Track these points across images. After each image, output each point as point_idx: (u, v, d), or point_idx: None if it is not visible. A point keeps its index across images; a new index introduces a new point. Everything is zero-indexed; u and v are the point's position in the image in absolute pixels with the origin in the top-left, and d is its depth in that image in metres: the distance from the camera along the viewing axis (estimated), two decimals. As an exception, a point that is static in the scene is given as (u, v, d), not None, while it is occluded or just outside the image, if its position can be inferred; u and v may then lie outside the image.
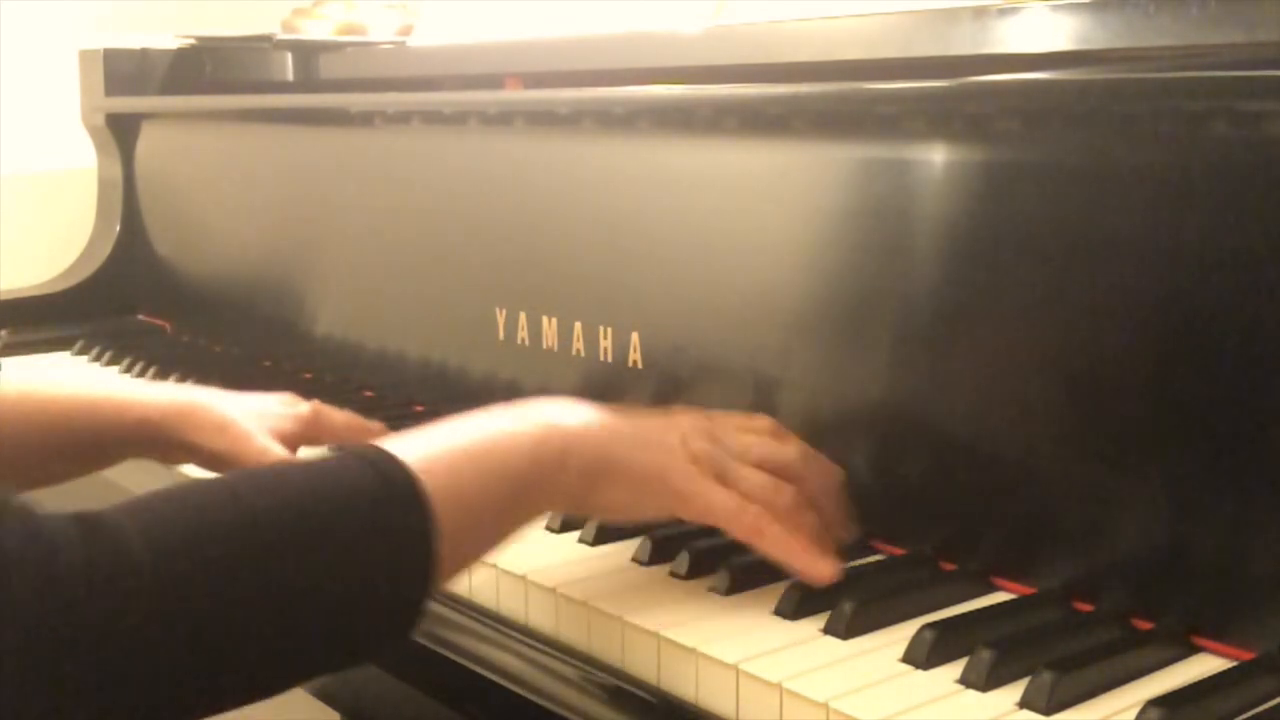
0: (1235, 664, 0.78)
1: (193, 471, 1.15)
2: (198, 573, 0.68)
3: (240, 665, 0.70)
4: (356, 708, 1.07)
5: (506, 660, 0.89)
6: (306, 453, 1.18)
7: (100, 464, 1.11)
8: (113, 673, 0.64)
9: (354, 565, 0.73)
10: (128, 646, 0.65)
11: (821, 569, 0.85)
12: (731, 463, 0.89)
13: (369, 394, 1.45)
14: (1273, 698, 0.74)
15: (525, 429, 0.84)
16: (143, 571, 0.66)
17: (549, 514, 0.95)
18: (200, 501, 0.71)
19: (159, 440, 1.09)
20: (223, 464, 1.09)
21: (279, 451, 1.09)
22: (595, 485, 0.86)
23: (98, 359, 1.69)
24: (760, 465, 0.90)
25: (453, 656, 0.92)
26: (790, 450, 0.93)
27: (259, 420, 1.11)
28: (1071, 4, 0.94)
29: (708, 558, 0.91)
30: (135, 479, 1.23)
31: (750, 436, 0.92)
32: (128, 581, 0.65)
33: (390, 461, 0.77)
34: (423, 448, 0.79)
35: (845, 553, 0.95)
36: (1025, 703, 0.73)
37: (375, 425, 1.18)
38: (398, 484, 0.76)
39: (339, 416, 1.17)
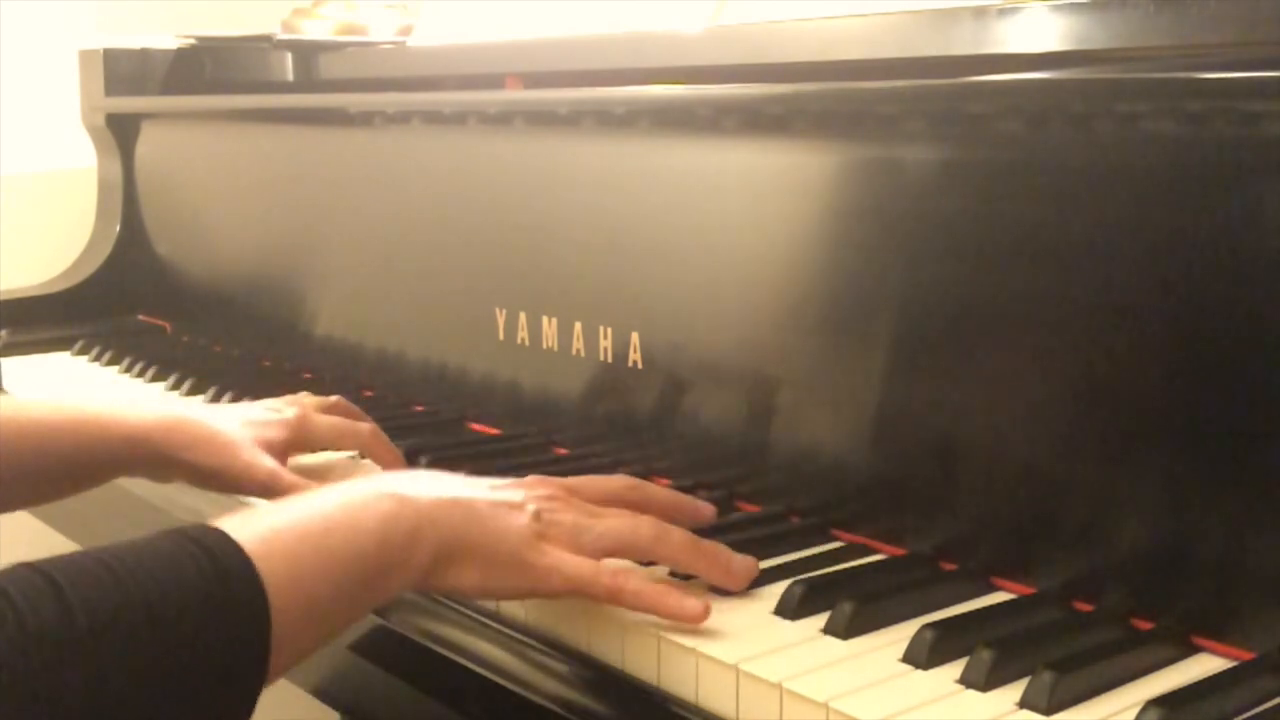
0: (1235, 664, 0.78)
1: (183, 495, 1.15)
2: (8, 674, 0.63)
3: None
4: (356, 707, 1.07)
5: (506, 660, 0.89)
6: (299, 460, 1.18)
7: (90, 483, 1.09)
8: None
9: (183, 660, 0.68)
10: None
11: (689, 610, 0.83)
12: (584, 522, 0.87)
13: (369, 394, 1.45)
14: (1273, 698, 0.74)
15: (374, 505, 0.80)
16: None
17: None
18: (13, 590, 0.65)
19: (148, 458, 1.08)
20: (212, 479, 1.09)
21: (267, 463, 1.08)
22: (447, 566, 0.83)
23: (97, 359, 1.69)
24: (612, 505, 0.90)
25: (452, 656, 0.92)
26: (656, 497, 0.94)
27: (246, 431, 1.10)
28: (1071, 4, 0.94)
29: (708, 558, 0.91)
30: (139, 483, 1.23)
31: (604, 492, 0.92)
32: None
33: (226, 548, 0.72)
34: (262, 530, 0.75)
35: (844, 553, 0.95)
36: (1025, 703, 0.73)
37: (364, 428, 1.17)
38: (232, 573, 0.71)
39: (325, 422, 1.16)
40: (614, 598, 0.85)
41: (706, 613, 0.83)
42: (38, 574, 0.67)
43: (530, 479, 0.91)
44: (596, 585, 0.85)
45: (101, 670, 0.65)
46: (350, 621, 0.82)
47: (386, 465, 1.15)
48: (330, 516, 0.79)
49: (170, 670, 0.68)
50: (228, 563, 0.72)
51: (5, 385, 1.60)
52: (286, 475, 1.08)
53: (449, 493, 0.84)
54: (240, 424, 1.11)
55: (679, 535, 0.89)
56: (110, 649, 0.66)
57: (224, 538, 0.73)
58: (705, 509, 0.98)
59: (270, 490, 1.06)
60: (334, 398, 1.21)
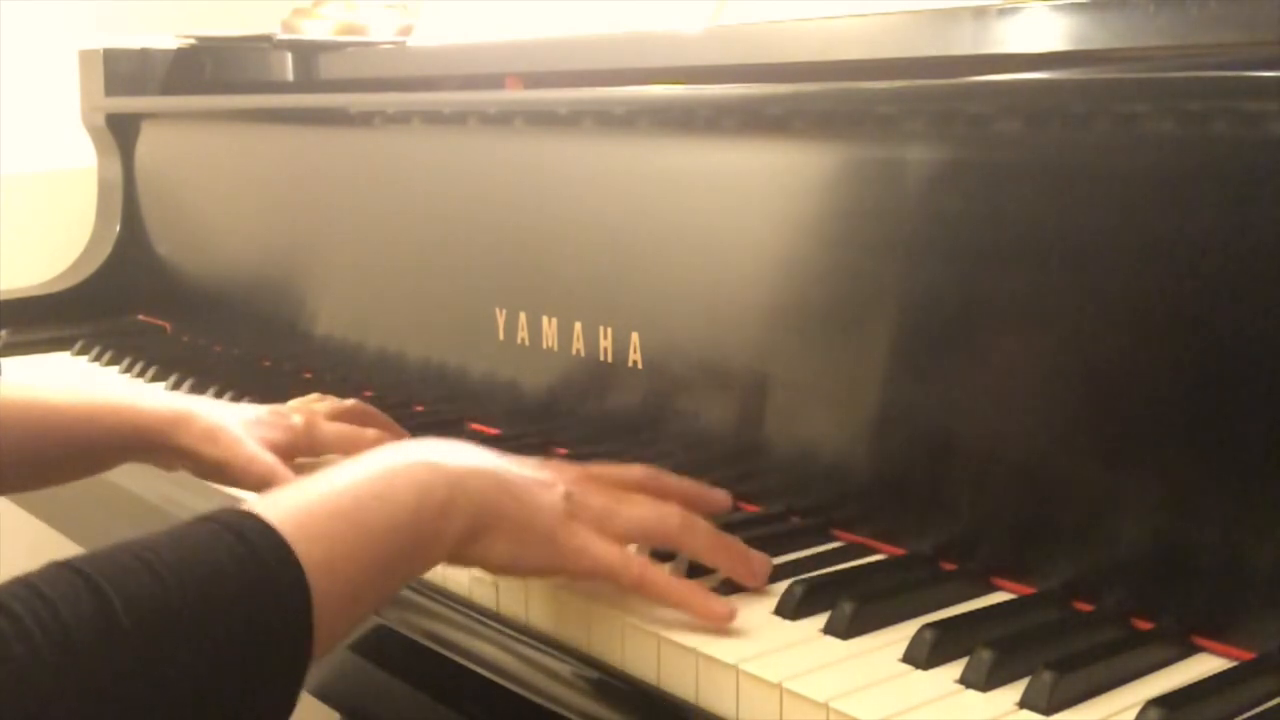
0: (1235, 664, 0.78)
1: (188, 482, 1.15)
2: (50, 676, 0.62)
3: None
4: (356, 707, 1.07)
5: (506, 660, 0.89)
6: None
7: (95, 469, 1.12)
8: None
9: (226, 650, 0.68)
10: None
11: (716, 609, 0.83)
12: (613, 507, 0.87)
13: (369, 394, 1.45)
14: (1273, 698, 0.74)
15: (409, 474, 0.80)
16: None
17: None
18: (52, 593, 0.65)
19: (154, 447, 1.10)
20: (215, 471, 1.10)
21: (267, 459, 1.09)
22: (478, 537, 0.82)
23: (98, 359, 1.69)
24: (640, 492, 0.89)
25: (453, 656, 0.92)
26: (673, 485, 0.93)
27: (249, 429, 1.11)
28: (1071, 4, 0.94)
29: (708, 558, 0.91)
30: (137, 481, 1.23)
31: (628, 479, 0.91)
32: None
33: (261, 532, 0.72)
34: (295, 508, 0.74)
35: (844, 553, 0.95)
36: (1025, 703, 0.73)
37: (370, 434, 1.17)
38: (269, 559, 0.71)
39: (331, 430, 1.16)
40: (640, 586, 0.85)
41: (732, 615, 0.83)
42: (75, 573, 0.66)
43: (554, 462, 0.91)
44: (625, 571, 0.85)
45: (146, 666, 0.65)
46: (387, 596, 0.82)
47: None
48: (364, 489, 0.78)
49: (215, 660, 0.68)
50: (264, 548, 0.71)
51: (5, 385, 1.60)
52: (285, 473, 1.09)
53: (482, 462, 0.84)
54: (245, 422, 1.12)
55: (705, 527, 0.89)
56: (153, 645, 0.66)
57: (259, 523, 0.72)
58: (720, 497, 0.97)
59: (267, 487, 1.07)
60: (351, 401, 1.21)
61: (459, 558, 0.84)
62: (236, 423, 1.11)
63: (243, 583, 0.70)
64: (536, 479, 0.86)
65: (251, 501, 0.75)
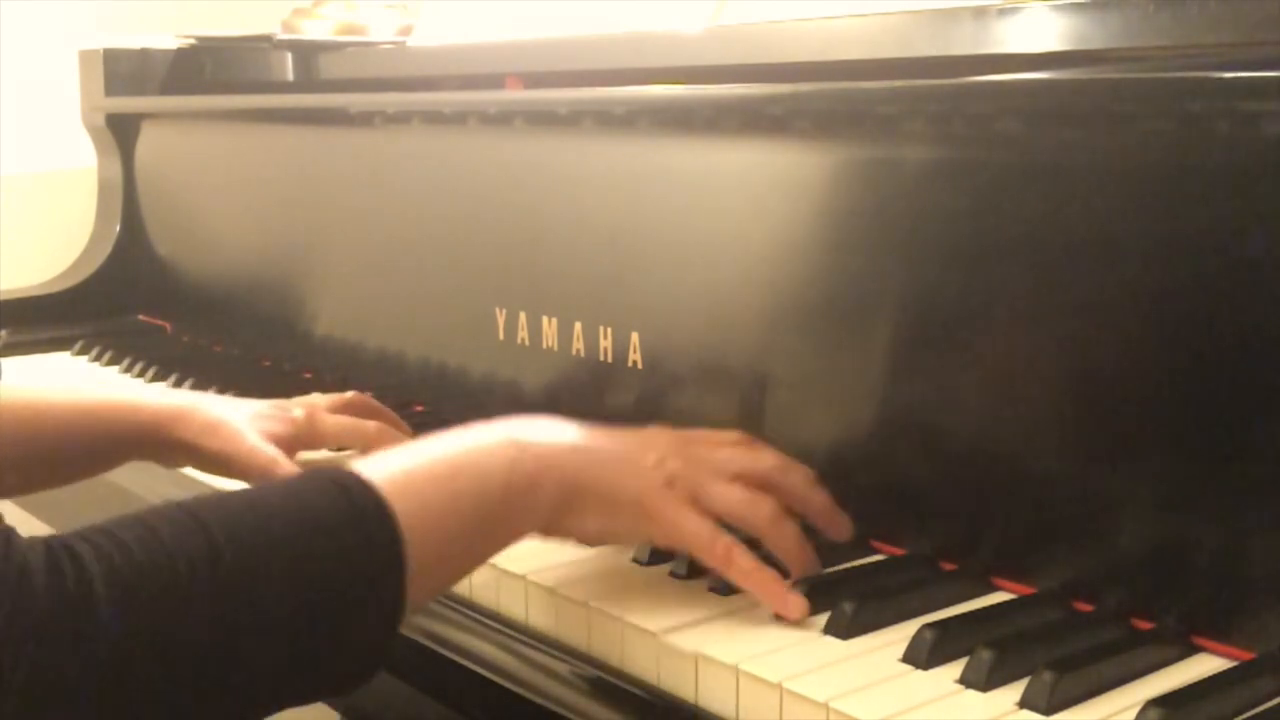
0: (1235, 664, 0.78)
1: (192, 476, 1.15)
2: (161, 606, 0.67)
3: (205, 698, 0.69)
4: (356, 707, 1.07)
5: (507, 660, 0.89)
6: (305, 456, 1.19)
7: (100, 468, 1.12)
8: (75, 697, 0.64)
9: (323, 596, 0.72)
10: (90, 677, 0.64)
11: (790, 607, 0.84)
12: (707, 482, 0.87)
13: (369, 394, 1.45)
14: (1273, 698, 0.74)
15: (498, 450, 0.83)
16: (99, 609, 0.65)
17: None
18: (166, 530, 0.70)
19: (156, 443, 1.11)
20: (217, 464, 1.11)
21: (269, 451, 1.10)
22: (569, 509, 0.85)
23: (97, 359, 1.69)
24: (738, 479, 0.89)
25: (453, 656, 0.92)
26: (766, 461, 0.92)
27: (251, 422, 1.12)
28: (1071, 4, 0.94)
29: (708, 558, 0.91)
30: (137, 480, 1.23)
31: (725, 451, 0.91)
32: (90, 615, 0.65)
33: (361, 488, 0.76)
34: (393, 470, 0.78)
35: (843, 553, 0.95)
36: (1025, 703, 0.73)
37: (371, 426, 1.18)
38: (368, 512, 0.75)
39: (332, 422, 1.17)
40: (723, 568, 0.86)
41: (806, 613, 0.84)
42: (188, 514, 0.71)
43: (652, 430, 0.92)
44: (712, 551, 0.86)
45: (246, 602, 0.69)
46: (475, 563, 0.85)
47: None
48: (456, 460, 0.82)
49: (311, 601, 0.72)
50: (364, 501, 0.75)
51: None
52: (286, 464, 1.10)
53: (571, 439, 0.87)
54: (246, 415, 1.13)
55: (793, 530, 0.89)
56: (254, 583, 0.70)
57: (359, 479, 0.76)
58: (844, 526, 0.93)
59: (269, 478, 1.08)
60: (351, 394, 1.23)
61: (552, 530, 0.86)
62: (238, 416, 1.12)
63: (342, 531, 0.74)
64: (627, 452, 0.87)
65: (355, 463, 0.79)
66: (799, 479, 0.92)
